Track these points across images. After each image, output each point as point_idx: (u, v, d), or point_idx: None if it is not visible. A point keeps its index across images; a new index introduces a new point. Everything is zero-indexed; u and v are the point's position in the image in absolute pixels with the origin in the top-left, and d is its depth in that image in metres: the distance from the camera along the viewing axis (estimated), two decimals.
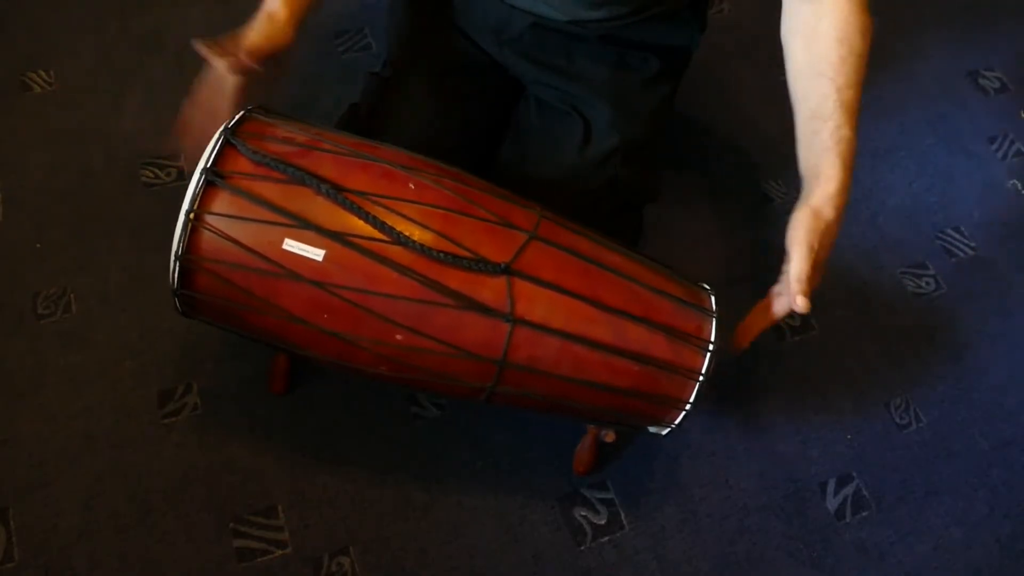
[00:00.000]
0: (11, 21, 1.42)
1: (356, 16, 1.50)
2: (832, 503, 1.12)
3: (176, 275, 0.83)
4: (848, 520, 1.11)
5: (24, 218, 1.21)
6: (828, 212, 0.89)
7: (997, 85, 1.59)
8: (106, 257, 1.19)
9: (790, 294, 0.87)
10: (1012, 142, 1.51)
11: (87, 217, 1.22)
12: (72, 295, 1.16)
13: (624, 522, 1.08)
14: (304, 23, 0.94)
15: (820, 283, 0.88)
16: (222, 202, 0.81)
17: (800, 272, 0.86)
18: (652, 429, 0.95)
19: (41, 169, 1.26)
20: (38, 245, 1.20)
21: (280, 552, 1.01)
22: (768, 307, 0.92)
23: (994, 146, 1.50)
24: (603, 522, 1.07)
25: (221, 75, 0.89)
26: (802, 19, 0.94)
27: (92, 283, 1.17)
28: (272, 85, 0.94)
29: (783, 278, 0.90)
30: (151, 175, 1.27)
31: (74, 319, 1.14)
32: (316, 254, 0.81)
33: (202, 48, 0.89)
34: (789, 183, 1.39)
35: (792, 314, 0.90)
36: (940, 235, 1.39)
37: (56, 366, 1.10)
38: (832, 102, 0.90)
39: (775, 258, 1.30)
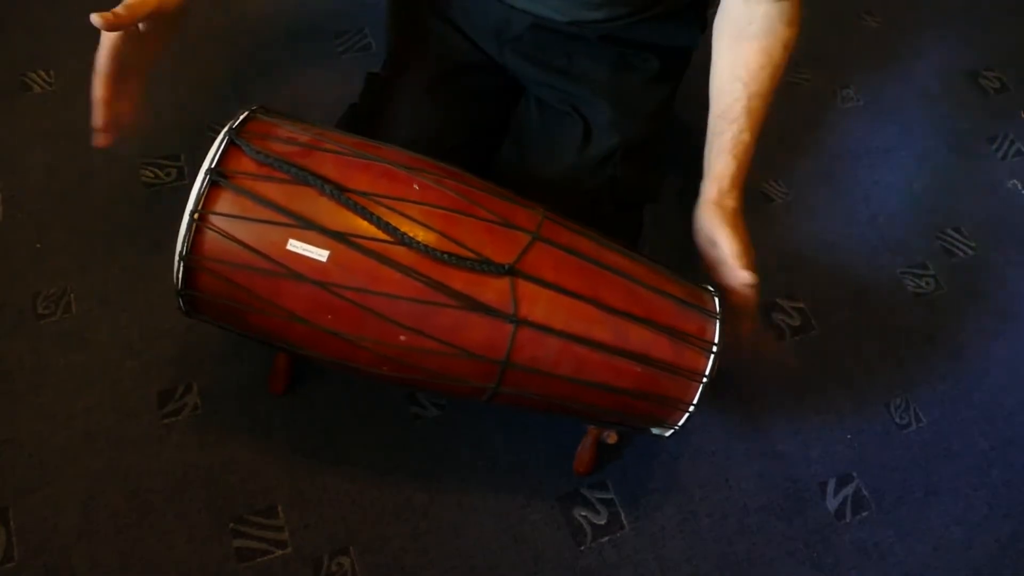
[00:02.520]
0: (11, 21, 1.41)
1: (356, 16, 1.50)
2: (832, 503, 1.12)
3: (180, 275, 0.83)
4: (848, 520, 1.11)
5: (24, 218, 1.21)
6: (728, 202, 0.94)
7: (997, 85, 1.59)
8: (106, 257, 1.19)
9: (733, 274, 0.90)
10: (1012, 142, 1.51)
11: (87, 217, 1.22)
12: (72, 295, 1.15)
13: (624, 522, 1.08)
14: None
15: (755, 256, 0.91)
16: (226, 202, 0.81)
17: (734, 249, 0.90)
18: (655, 431, 0.95)
19: (41, 169, 1.26)
20: (38, 245, 1.19)
21: (280, 552, 1.01)
22: (735, 302, 0.94)
23: (994, 146, 1.51)
24: (603, 522, 1.07)
25: (104, 37, 0.80)
26: (733, 18, 0.97)
27: (92, 283, 1.17)
28: (164, 47, 0.87)
29: (724, 269, 0.92)
30: (151, 175, 1.27)
31: (74, 319, 1.14)
32: (320, 254, 0.80)
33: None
34: (789, 183, 1.39)
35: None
36: (940, 235, 1.39)
37: (56, 366, 1.10)
38: (741, 106, 0.95)
39: (775, 259, 1.31)
